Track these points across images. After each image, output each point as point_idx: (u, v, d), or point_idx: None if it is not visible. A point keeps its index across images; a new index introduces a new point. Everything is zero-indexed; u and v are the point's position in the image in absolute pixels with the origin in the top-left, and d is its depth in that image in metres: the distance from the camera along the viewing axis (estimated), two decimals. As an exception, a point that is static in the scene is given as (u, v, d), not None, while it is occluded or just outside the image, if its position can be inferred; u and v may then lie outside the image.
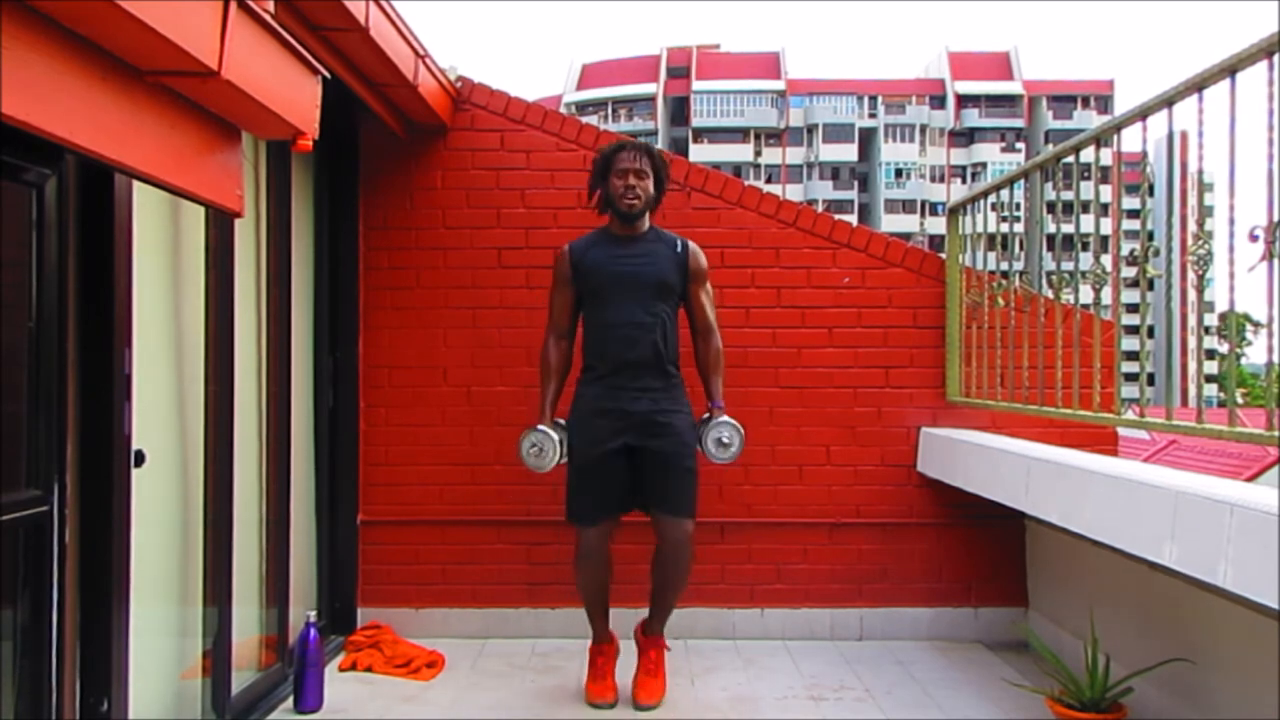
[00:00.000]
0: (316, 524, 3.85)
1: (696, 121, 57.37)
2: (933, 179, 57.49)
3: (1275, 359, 1.99)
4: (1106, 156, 2.86)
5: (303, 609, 3.37)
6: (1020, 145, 56.13)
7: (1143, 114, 2.51)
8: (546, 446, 3.23)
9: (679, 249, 3.33)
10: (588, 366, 3.33)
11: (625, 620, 3.46)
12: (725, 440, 3.28)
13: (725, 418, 3.31)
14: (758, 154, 57.67)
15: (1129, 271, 2.60)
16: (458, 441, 4.00)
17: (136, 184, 2.29)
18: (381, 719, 3.15)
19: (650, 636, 3.37)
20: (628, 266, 3.26)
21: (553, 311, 3.41)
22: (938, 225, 53.36)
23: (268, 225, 3.30)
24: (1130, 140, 2.64)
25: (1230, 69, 2.14)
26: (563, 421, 3.35)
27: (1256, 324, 30.96)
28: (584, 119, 4.43)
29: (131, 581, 2.33)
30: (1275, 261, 1.98)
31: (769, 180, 55.10)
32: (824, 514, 4.02)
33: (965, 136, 57.84)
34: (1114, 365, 3.73)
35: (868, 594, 4.03)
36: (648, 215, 3.35)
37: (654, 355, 3.22)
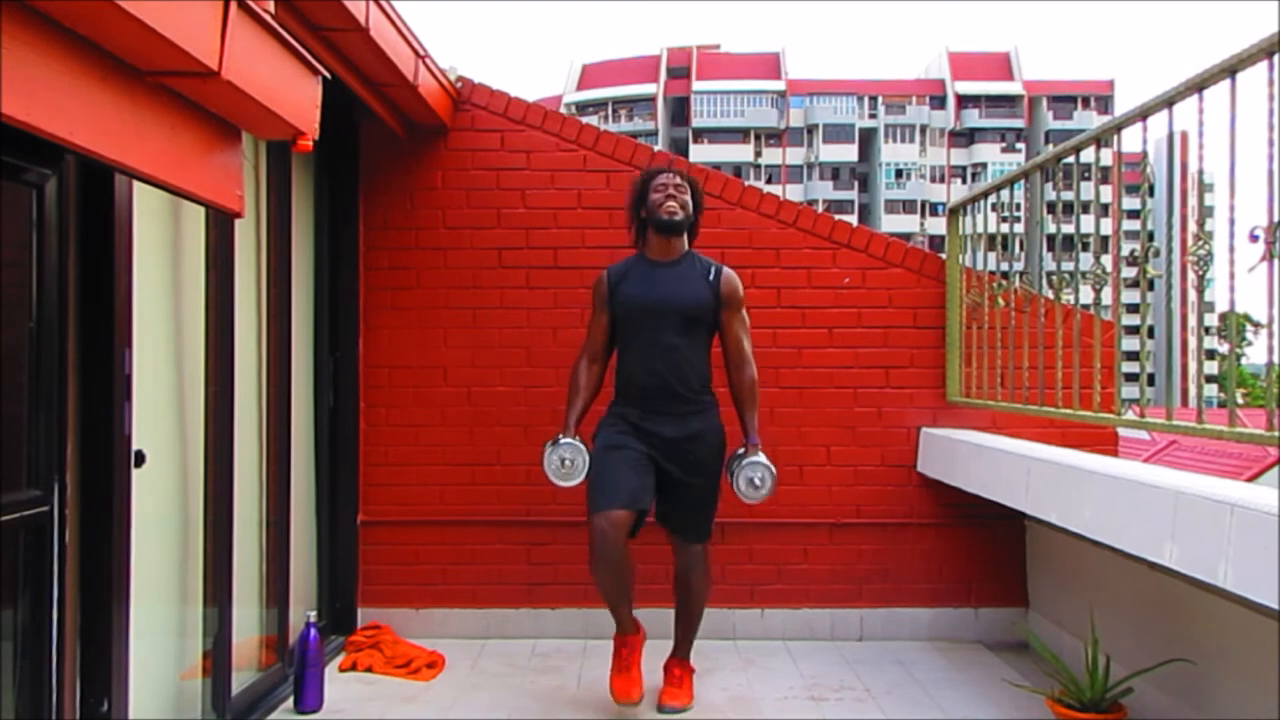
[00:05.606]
0: (316, 524, 3.85)
1: (696, 122, 57.37)
2: (933, 179, 57.48)
3: (1275, 359, 1.99)
4: (1106, 156, 2.86)
5: (303, 609, 3.38)
6: (1020, 145, 56.12)
7: (1143, 114, 2.51)
8: (577, 459, 3.18)
9: (711, 275, 3.26)
10: (617, 391, 3.30)
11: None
12: (758, 483, 3.20)
13: (759, 457, 3.21)
14: (758, 154, 57.66)
15: (1129, 272, 2.60)
16: (458, 441, 4.01)
17: (136, 184, 2.29)
18: (381, 719, 3.15)
19: (675, 658, 3.35)
20: (658, 292, 3.22)
21: (589, 334, 3.38)
22: (938, 225, 53.37)
23: (268, 225, 3.30)
24: (1130, 140, 2.64)
25: (1230, 69, 2.14)
26: (580, 441, 3.25)
27: (1256, 324, 30.96)
28: (584, 119, 4.43)
29: (131, 581, 2.33)
30: (1275, 261, 1.98)
31: (769, 180, 55.09)
32: (824, 514, 4.02)
33: (965, 137, 57.84)
34: (1114, 365, 3.73)
35: (868, 594, 4.03)
36: (685, 239, 3.31)
37: (680, 382, 3.19)
